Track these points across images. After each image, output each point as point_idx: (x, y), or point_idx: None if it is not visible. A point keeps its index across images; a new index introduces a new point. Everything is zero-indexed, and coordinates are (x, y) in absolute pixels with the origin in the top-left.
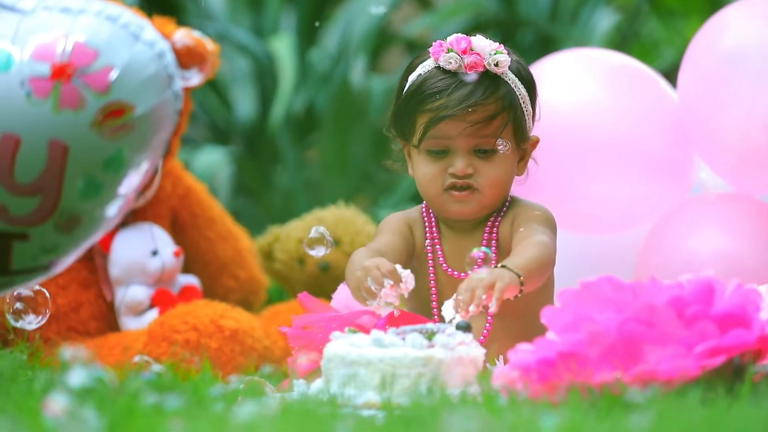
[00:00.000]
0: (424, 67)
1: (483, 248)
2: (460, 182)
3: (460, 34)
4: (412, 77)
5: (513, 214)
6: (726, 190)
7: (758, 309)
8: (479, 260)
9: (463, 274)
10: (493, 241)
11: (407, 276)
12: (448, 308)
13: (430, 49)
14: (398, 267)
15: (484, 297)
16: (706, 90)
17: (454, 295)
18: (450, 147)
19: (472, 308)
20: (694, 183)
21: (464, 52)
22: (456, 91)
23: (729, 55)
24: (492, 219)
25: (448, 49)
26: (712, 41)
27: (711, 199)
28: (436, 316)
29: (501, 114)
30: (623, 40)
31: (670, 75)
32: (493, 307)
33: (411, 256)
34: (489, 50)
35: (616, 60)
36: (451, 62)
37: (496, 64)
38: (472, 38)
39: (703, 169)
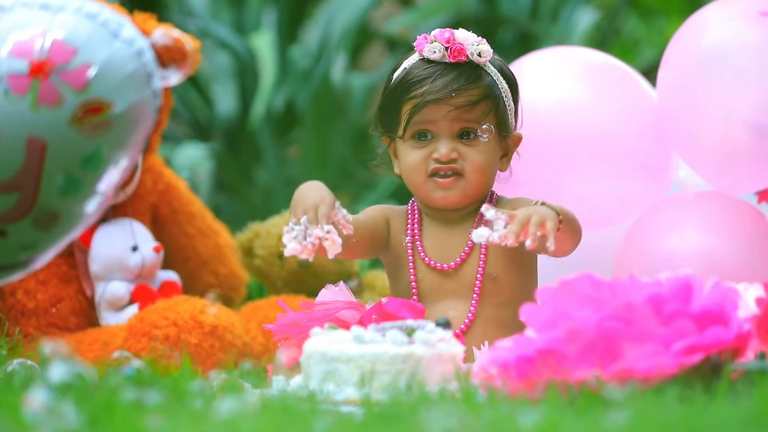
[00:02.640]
0: (409, 61)
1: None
2: (444, 167)
3: (445, 28)
4: (397, 72)
5: (509, 208)
6: (705, 188)
7: (736, 307)
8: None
9: (446, 265)
10: None
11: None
12: (481, 233)
13: (415, 44)
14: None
15: (539, 233)
16: (686, 89)
17: (493, 215)
18: (434, 132)
19: (528, 242)
20: (673, 181)
21: (448, 41)
22: (440, 78)
23: (708, 54)
24: (480, 215)
25: (432, 40)
26: (691, 40)
27: (690, 197)
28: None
29: (484, 100)
30: (603, 39)
31: (650, 74)
32: (552, 246)
33: (379, 243)
34: (472, 41)
35: (596, 58)
36: (435, 52)
37: (479, 54)
38: (455, 31)
39: (683, 167)
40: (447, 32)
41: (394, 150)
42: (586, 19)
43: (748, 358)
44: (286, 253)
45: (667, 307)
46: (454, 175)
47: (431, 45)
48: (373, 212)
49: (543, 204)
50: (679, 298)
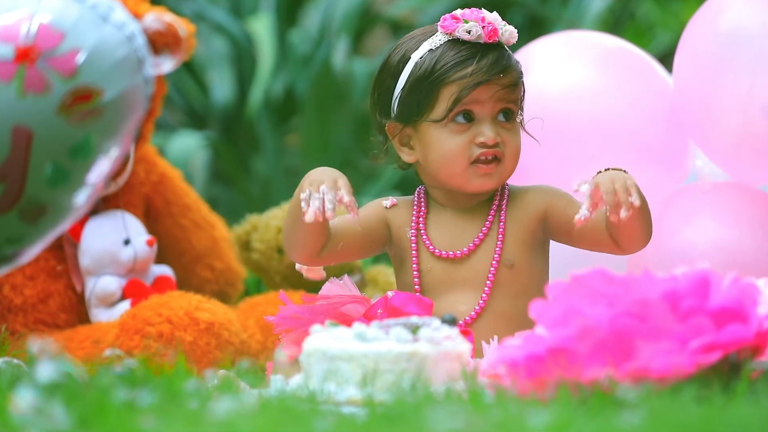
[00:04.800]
0: (433, 43)
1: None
2: (490, 152)
3: (469, 8)
4: (418, 55)
5: (537, 200)
6: (723, 178)
7: (756, 303)
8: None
9: (458, 252)
10: (500, 226)
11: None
12: (583, 212)
13: (439, 23)
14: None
15: (630, 198)
16: (703, 75)
17: (587, 189)
18: (476, 114)
19: (623, 213)
20: (689, 171)
21: (483, 21)
22: (483, 58)
23: (727, 39)
24: (496, 202)
25: (464, 20)
26: (709, 24)
27: (707, 188)
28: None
29: (521, 81)
30: (617, 23)
31: (666, 59)
32: (636, 200)
33: (377, 244)
34: (500, 22)
35: (609, 43)
36: (471, 31)
37: (510, 34)
38: (483, 11)
39: (699, 156)
40: (477, 12)
41: (407, 137)
42: (598, 2)
43: None
44: (307, 218)
45: (684, 303)
46: (494, 161)
47: (467, 25)
48: (369, 212)
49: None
50: (696, 294)
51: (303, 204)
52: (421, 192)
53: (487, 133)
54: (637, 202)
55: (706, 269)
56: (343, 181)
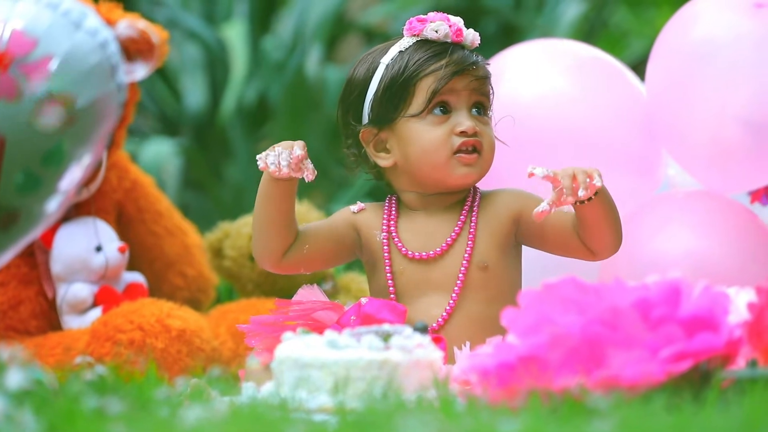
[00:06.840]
0: (402, 46)
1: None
2: (471, 141)
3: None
4: (388, 59)
5: (510, 201)
6: (695, 187)
7: (726, 312)
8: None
9: (431, 252)
10: (471, 227)
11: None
12: (543, 206)
13: (405, 28)
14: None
15: (588, 180)
16: (676, 84)
17: (542, 172)
18: (452, 105)
19: (581, 193)
20: (662, 180)
21: (447, 20)
22: (454, 53)
23: (700, 48)
24: (468, 203)
25: (431, 21)
26: (682, 32)
27: (679, 197)
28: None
29: (490, 78)
30: (591, 31)
31: (639, 67)
32: (598, 182)
33: (346, 251)
34: (462, 24)
35: (583, 51)
36: (438, 30)
37: (473, 36)
38: (445, 14)
39: (672, 165)
40: (441, 14)
41: (382, 142)
42: (572, 10)
43: (739, 365)
44: (272, 171)
45: (655, 312)
46: (475, 152)
47: (434, 24)
48: (337, 218)
49: None
50: (667, 303)
51: (259, 163)
52: (393, 198)
53: (465, 122)
54: (598, 184)
55: (678, 278)
56: (297, 141)
